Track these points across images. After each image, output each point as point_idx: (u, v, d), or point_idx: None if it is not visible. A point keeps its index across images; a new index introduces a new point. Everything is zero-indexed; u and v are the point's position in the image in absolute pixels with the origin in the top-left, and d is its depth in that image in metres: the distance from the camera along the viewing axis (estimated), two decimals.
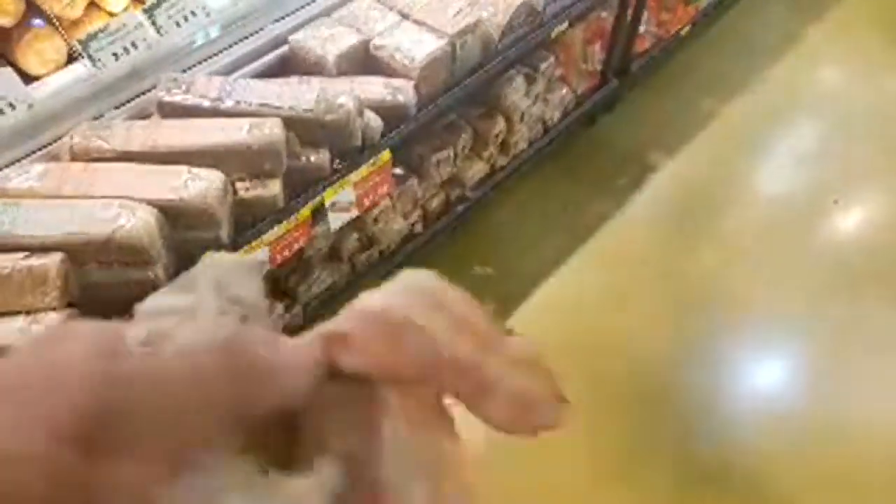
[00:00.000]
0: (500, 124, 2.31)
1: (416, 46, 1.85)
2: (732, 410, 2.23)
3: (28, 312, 1.37)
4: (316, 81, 1.78)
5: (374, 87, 1.81)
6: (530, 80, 2.35)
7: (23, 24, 1.68)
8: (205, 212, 1.49)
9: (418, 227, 2.27)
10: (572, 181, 2.84)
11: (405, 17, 1.93)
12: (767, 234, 2.71)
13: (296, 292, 2.00)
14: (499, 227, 2.61)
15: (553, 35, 2.21)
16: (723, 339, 2.43)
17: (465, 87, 1.99)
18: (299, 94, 1.67)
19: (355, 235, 2.09)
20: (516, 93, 2.30)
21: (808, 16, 3.62)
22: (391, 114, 1.81)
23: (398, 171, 2.10)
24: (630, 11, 2.57)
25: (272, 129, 1.59)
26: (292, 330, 2.00)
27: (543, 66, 2.38)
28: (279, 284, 1.99)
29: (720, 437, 2.17)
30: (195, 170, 1.52)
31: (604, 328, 2.39)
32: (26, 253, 1.38)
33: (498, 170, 2.46)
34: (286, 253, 1.75)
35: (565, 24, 2.20)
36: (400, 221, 2.18)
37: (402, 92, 1.81)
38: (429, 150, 2.16)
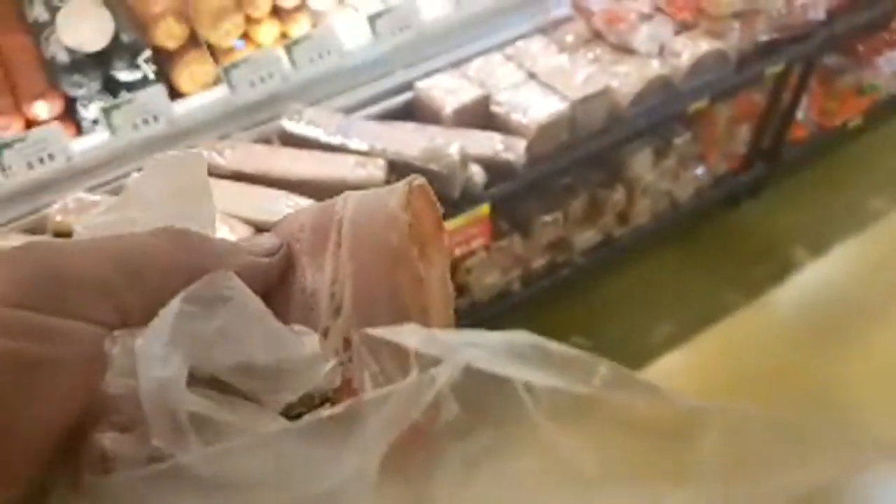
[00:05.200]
0: (620, 194, 2.23)
1: (535, 107, 1.84)
2: None
3: None
4: (431, 130, 1.82)
5: (486, 142, 1.82)
6: (660, 154, 2.26)
7: (184, 47, 1.88)
8: None
9: (516, 286, 2.23)
10: (699, 265, 2.67)
11: (532, 76, 1.94)
12: None
13: None
14: (606, 301, 2.50)
15: (690, 110, 2.11)
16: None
17: (583, 152, 1.95)
18: (409, 140, 1.72)
19: None
20: (642, 164, 2.22)
21: None
22: (498, 170, 1.81)
23: (502, 226, 2.09)
24: (787, 95, 2.40)
25: (372, 170, 1.65)
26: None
27: (678, 140, 2.27)
28: None
29: None
30: (293, 197, 1.61)
31: None
32: None
33: (613, 240, 2.36)
34: None
35: (705, 101, 2.09)
36: (496, 276, 2.16)
37: (513, 150, 1.81)
38: (538, 209, 2.13)
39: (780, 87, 2.35)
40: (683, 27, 2.07)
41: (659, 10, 2.08)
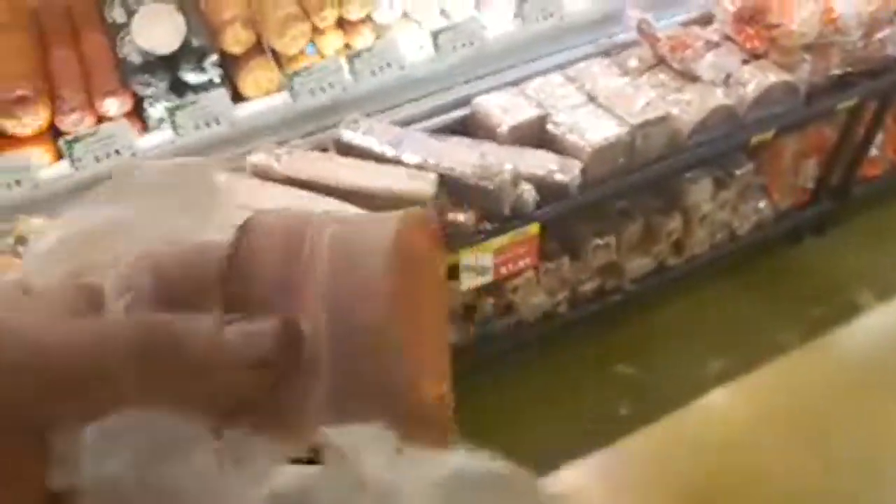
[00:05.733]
0: (676, 222, 2.18)
1: (593, 129, 1.82)
2: None
3: None
4: (485, 146, 1.82)
5: (540, 162, 1.81)
6: (720, 184, 2.20)
7: (249, 53, 1.93)
8: None
9: (563, 308, 2.20)
10: (755, 299, 2.58)
11: (592, 99, 1.91)
12: None
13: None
14: (655, 330, 2.44)
15: (754, 142, 2.05)
16: None
17: (640, 178, 1.91)
18: (462, 156, 1.72)
19: (491, 300, 2.08)
20: (701, 194, 2.16)
21: None
22: (551, 190, 1.79)
23: (552, 247, 2.06)
24: (860, 131, 2.30)
25: (423, 183, 1.65)
26: None
27: (739, 171, 2.21)
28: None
29: None
30: (344, 206, 1.62)
31: (744, 470, 2.11)
32: None
33: (666, 268, 2.31)
34: None
35: (770, 133, 2.03)
36: (542, 297, 2.13)
37: (567, 171, 1.79)
38: (590, 232, 2.09)
39: (852, 122, 2.26)
40: (753, 57, 2.01)
41: (728, 38, 2.03)
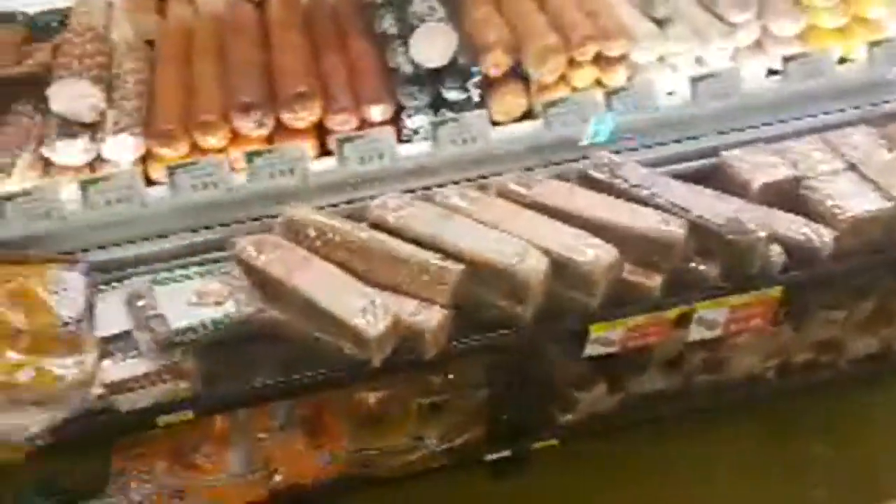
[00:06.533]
0: None
1: (853, 199, 1.74)
2: None
3: (422, 300, 1.61)
4: (735, 202, 1.78)
5: (791, 225, 1.75)
6: None
7: (504, 77, 2.00)
8: (590, 277, 1.59)
9: (770, 374, 2.11)
10: None
11: (852, 167, 1.83)
12: None
13: (624, 382, 2.01)
14: (863, 415, 2.27)
15: None
16: None
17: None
18: (714, 208, 1.70)
19: (702, 354, 2.03)
20: None
21: None
22: (799, 255, 1.73)
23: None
24: None
25: (676, 229, 1.64)
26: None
27: None
28: (610, 368, 2.01)
29: None
30: (592, 239, 1.64)
31: None
32: (441, 255, 1.63)
33: (891, 354, 2.16)
34: (637, 342, 1.77)
35: None
36: (753, 360, 2.06)
37: (821, 239, 1.72)
38: (820, 303, 2.00)
39: None
40: None
41: None
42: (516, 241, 1.63)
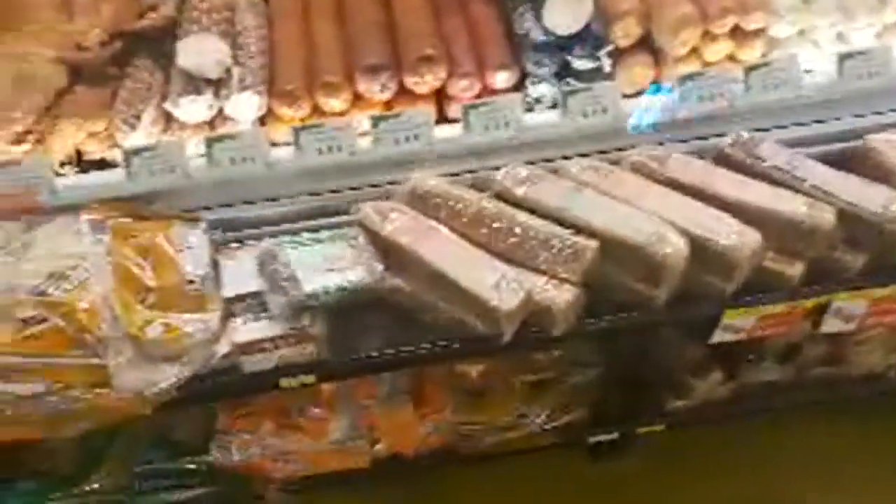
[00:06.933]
0: None
1: None
2: None
3: (551, 276, 1.56)
4: (883, 189, 1.67)
5: None
6: None
7: (633, 48, 1.91)
8: (731, 262, 1.52)
9: (893, 373, 2.02)
10: None
11: None
12: None
13: (740, 371, 1.94)
14: None
15: None
16: None
17: None
18: (866, 194, 1.60)
19: (824, 347, 1.95)
20: None
21: None
22: None
23: None
24: None
25: (827, 216, 1.56)
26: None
27: None
28: (727, 355, 1.94)
29: None
30: (733, 222, 1.56)
31: None
32: (573, 231, 1.57)
33: None
34: (768, 331, 1.70)
35: None
36: (878, 357, 1.96)
37: None
38: None
39: None
40: None
41: None
42: (654, 219, 1.56)
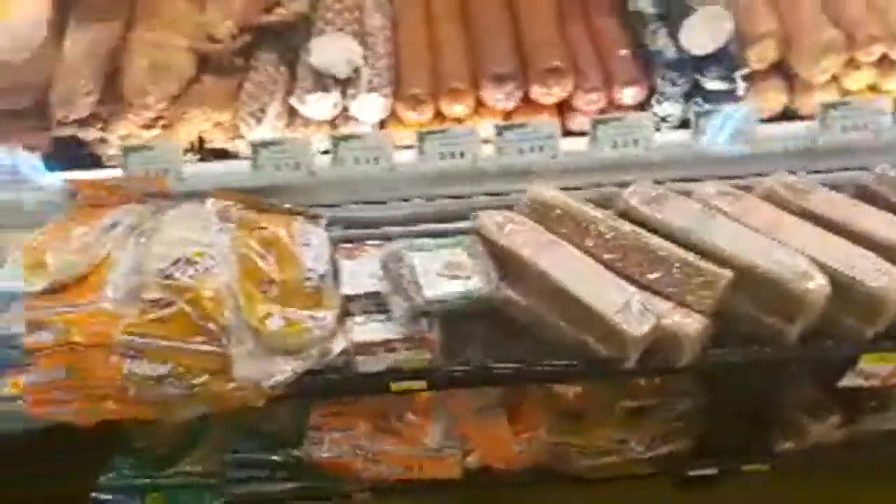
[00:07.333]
0: None
1: None
2: None
3: (679, 303, 1.50)
4: None
5: None
6: None
7: (766, 72, 1.84)
8: (877, 305, 1.44)
9: None
10: None
11: None
12: None
13: (860, 417, 1.84)
14: None
15: None
16: None
17: None
18: None
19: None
20: None
21: None
22: None
23: None
24: None
25: None
26: None
27: None
28: (848, 399, 1.84)
29: None
30: (882, 262, 1.48)
31: None
32: (702, 257, 1.51)
33: None
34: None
35: None
36: None
37: None
38: None
39: None
40: None
41: None
42: (794, 252, 1.49)
